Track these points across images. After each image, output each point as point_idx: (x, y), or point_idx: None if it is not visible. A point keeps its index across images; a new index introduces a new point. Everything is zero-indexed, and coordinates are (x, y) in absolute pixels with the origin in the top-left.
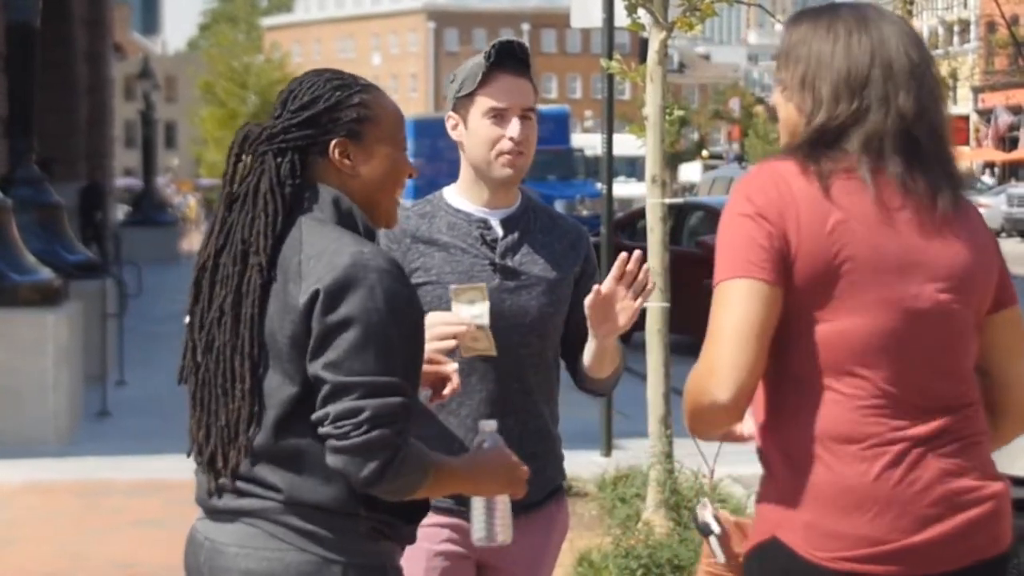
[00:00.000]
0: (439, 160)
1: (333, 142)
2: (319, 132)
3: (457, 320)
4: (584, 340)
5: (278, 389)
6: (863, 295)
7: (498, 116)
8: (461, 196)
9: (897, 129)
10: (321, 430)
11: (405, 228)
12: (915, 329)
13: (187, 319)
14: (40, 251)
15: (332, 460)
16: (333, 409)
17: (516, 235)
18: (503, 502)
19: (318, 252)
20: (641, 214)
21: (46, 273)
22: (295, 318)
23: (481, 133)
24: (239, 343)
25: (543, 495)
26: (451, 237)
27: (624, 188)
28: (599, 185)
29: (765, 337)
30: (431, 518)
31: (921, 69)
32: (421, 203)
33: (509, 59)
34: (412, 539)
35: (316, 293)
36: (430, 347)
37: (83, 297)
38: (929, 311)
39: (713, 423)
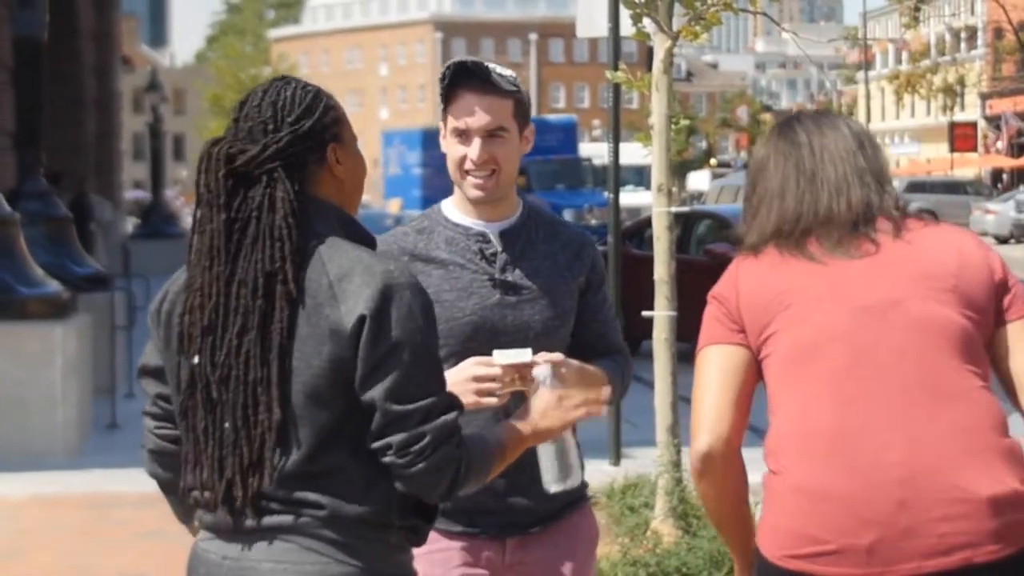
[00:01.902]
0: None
1: (329, 149)
2: (318, 142)
3: (497, 366)
4: (591, 351)
5: (312, 414)
6: (800, 311)
7: (462, 135)
8: (458, 209)
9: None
10: (384, 459)
11: (403, 246)
12: (859, 323)
13: (196, 359)
14: (48, 264)
15: (402, 486)
16: (395, 440)
17: (516, 248)
18: (567, 441)
19: (346, 272)
20: (649, 223)
21: (54, 286)
22: (341, 342)
23: (449, 151)
24: (268, 373)
25: (558, 506)
26: (449, 253)
27: (632, 197)
28: (607, 194)
29: (733, 385)
30: (443, 542)
31: (819, 177)
32: (419, 218)
33: (469, 78)
34: (425, 540)
35: (363, 319)
36: (469, 400)
37: (92, 310)
38: (870, 307)
39: (707, 472)
